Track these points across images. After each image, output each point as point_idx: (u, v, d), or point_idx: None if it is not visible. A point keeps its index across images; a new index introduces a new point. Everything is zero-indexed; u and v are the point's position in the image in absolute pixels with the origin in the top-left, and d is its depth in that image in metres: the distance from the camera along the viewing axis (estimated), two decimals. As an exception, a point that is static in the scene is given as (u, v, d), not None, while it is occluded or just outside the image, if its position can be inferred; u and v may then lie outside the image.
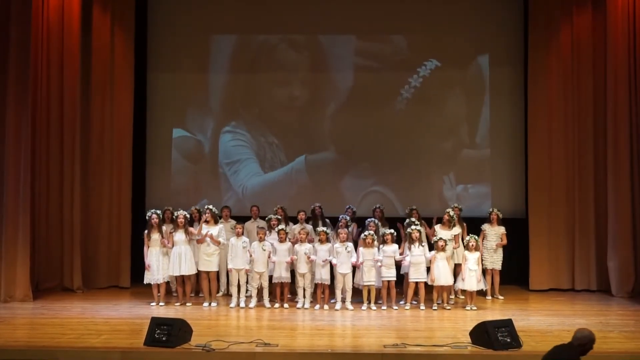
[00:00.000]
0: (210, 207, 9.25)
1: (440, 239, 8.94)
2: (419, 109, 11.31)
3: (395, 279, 8.97)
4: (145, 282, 9.12)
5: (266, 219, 9.52)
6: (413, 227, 8.96)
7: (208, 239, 9.04)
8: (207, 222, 9.13)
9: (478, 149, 11.28)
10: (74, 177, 10.17)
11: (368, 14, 11.33)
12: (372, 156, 11.33)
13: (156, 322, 6.66)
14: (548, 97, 10.54)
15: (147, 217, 9.16)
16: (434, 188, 11.26)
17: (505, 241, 9.63)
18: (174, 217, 9.22)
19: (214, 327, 7.68)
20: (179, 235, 9.03)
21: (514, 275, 10.36)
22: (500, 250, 9.64)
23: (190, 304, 9.07)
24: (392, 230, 9.06)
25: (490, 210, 9.85)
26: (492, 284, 9.67)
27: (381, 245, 8.95)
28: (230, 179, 11.41)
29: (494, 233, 9.66)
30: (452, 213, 9.41)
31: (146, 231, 9.11)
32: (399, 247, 9.02)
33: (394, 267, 8.94)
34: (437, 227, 9.44)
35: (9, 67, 9.17)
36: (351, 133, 11.34)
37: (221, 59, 11.51)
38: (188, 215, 9.27)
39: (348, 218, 9.46)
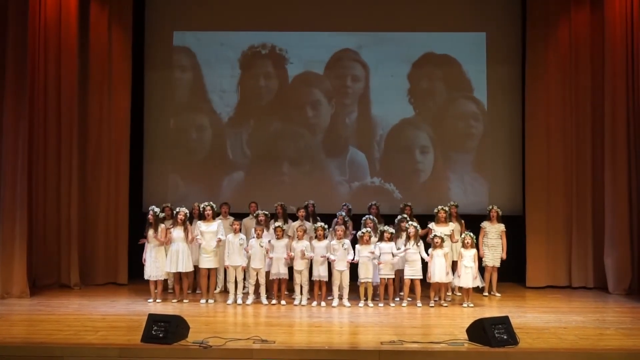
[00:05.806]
0: (210, 204, 9.26)
1: (435, 235, 8.94)
2: (417, 106, 11.30)
3: (393, 276, 8.98)
4: (145, 277, 9.14)
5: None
6: (410, 223, 8.98)
7: (199, 236, 9.05)
8: (205, 218, 9.14)
9: (476, 146, 11.27)
10: (71, 174, 10.16)
11: (366, 12, 11.34)
12: (370, 153, 11.34)
13: (153, 319, 6.66)
14: (546, 93, 10.54)
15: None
16: (432, 185, 11.24)
17: (504, 240, 9.63)
18: (173, 214, 9.23)
19: (211, 324, 7.69)
20: (178, 232, 9.04)
21: (511, 272, 10.35)
22: (500, 248, 9.65)
23: (188, 301, 9.09)
24: (392, 229, 9.06)
25: (490, 207, 9.84)
26: (490, 281, 9.68)
27: (378, 242, 8.96)
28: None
29: (495, 230, 9.67)
30: (446, 209, 9.44)
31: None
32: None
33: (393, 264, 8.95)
34: (433, 225, 9.44)
35: (6, 65, 9.14)
36: (348, 130, 11.38)
37: (220, 57, 11.48)
38: (188, 213, 9.27)
39: (344, 214, 9.48)
